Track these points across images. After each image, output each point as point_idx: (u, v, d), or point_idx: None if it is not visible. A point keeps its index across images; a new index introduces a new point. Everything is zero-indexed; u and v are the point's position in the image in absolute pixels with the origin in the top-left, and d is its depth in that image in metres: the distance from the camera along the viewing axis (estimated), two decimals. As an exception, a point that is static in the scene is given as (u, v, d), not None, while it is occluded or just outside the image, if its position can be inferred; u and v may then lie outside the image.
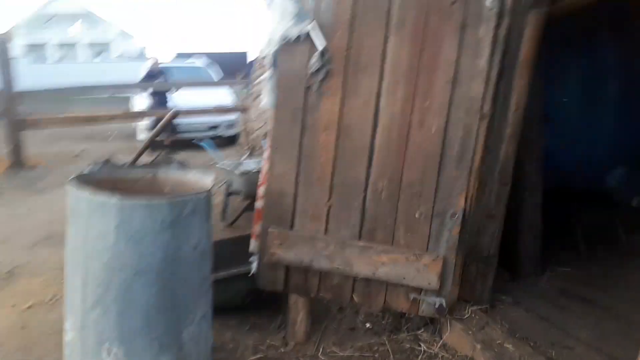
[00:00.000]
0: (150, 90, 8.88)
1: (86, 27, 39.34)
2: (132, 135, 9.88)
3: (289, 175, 2.45)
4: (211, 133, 9.48)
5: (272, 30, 2.58)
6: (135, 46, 47.27)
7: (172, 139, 8.80)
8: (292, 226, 2.46)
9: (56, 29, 38.80)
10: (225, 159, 7.09)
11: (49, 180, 6.70)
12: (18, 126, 7.23)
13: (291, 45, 2.42)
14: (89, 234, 1.86)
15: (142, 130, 9.01)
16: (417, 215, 2.36)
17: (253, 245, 2.60)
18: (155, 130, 3.58)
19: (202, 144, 4.77)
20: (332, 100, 2.39)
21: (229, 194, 4.52)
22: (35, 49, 37.16)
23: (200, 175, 2.32)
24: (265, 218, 2.51)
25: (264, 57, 2.86)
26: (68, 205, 1.93)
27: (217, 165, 4.34)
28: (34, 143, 9.94)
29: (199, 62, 12.09)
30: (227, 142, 9.86)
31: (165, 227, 1.83)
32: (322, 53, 2.37)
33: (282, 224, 2.46)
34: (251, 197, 4.02)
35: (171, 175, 2.40)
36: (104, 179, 2.32)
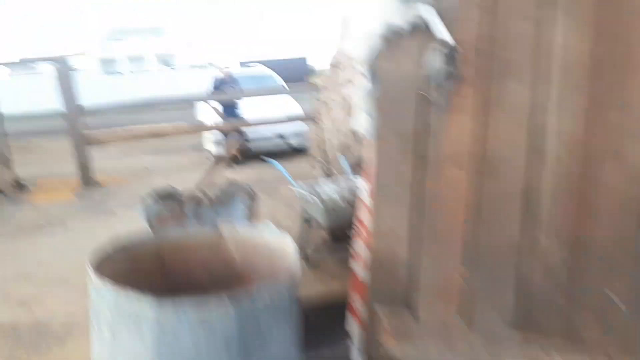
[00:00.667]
0: (219, 100, 8.48)
1: (154, 39, 40.82)
2: (201, 146, 9.57)
3: (401, 231, 1.71)
4: (280, 142, 8.95)
5: (366, 22, 1.84)
6: (201, 55, 48.58)
7: (239, 149, 8.33)
8: (409, 306, 1.71)
9: (127, 42, 40.55)
10: (297, 179, 6.52)
11: (119, 200, 6.40)
12: (84, 143, 7.01)
13: (398, 42, 1.67)
14: (116, 351, 1.21)
15: (209, 142, 8.64)
16: (609, 295, 1.52)
17: (353, 327, 1.88)
18: (205, 178, 2.97)
19: (271, 161, 4.14)
20: (464, 119, 1.63)
21: (307, 221, 3.84)
22: (109, 62, 39.04)
23: (276, 235, 1.62)
24: (370, 292, 1.77)
25: (351, 61, 2.10)
26: (90, 296, 1.30)
27: (291, 188, 3.68)
28: (104, 159, 9.93)
29: (266, 70, 11.64)
30: (295, 151, 9.30)
31: (229, 345, 1.14)
32: (449, 50, 1.59)
33: (394, 302, 1.72)
34: (337, 231, 3.32)
35: (240, 234, 1.72)
36: (151, 245, 1.68)
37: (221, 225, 1.75)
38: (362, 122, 1.91)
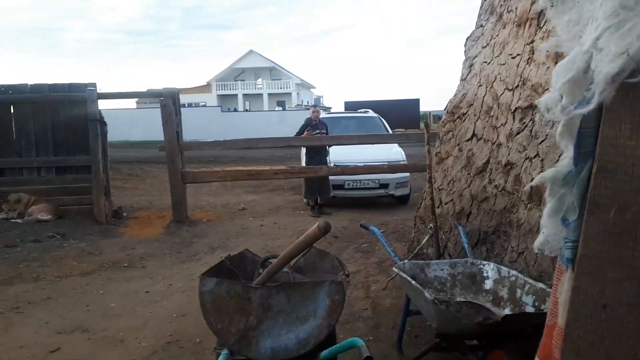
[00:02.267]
0: (306, 144, 7.91)
1: (270, 79, 42.89)
2: (301, 187, 9.14)
3: None
4: (382, 192, 8.17)
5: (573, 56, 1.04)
6: (314, 95, 50.09)
7: (322, 198, 7.71)
8: None
9: (245, 81, 43.05)
10: (398, 238, 5.69)
11: (206, 241, 6.03)
12: (180, 180, 6.81)
13: None
14: None
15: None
16: None
17: None
18: (293, 249, 2.23)
19: (372, 229, 3.36)
20: None
21: (408, 312, 2.98)
22: (228, 99, 41.57)
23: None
24: None
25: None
26: None
27: (394, 270, 2.86)
28: (204, 194, 9.91)
29: (371, 112, 11.01)
30: (398, 201, 8.46)
31: None
32: None
33: None
34: (448, 335, 2.43)
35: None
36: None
37: None
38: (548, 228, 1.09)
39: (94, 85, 7.08)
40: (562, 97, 1.03)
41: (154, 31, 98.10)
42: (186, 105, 39.40)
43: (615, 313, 0.98)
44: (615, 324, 0.99)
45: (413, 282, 2.57)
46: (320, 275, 2.89)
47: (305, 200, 8.25)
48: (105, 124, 7.28)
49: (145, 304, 4.01)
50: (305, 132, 7.80)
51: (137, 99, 34.12)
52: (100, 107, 7.08)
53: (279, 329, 2.06)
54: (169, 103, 6.79)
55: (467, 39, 4.69)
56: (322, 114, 10.26)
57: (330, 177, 7.79)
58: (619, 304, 0.97)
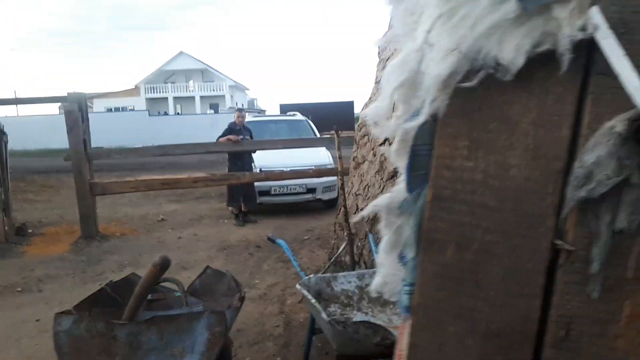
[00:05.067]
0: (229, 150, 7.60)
1: (202, 81, 41.75)
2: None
3: None
4: (309, 196, 8.02)
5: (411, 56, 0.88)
6: (248, 97, 49.38)
7: (247, 205, 7.43)
8: None
9: (176, 83, 41.66)
10: (321, 260, 5.53)
11: (117, 257, 5.59)
12: (88, 192, 6.30)
13: (493, 99, 0.70)
14: None
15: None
16: None
17: None
18: (138, 291, 1.99)
19: (279, 242, 3.17)
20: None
21: (313, 331, 2.81)
22: (157, 103, 40.04)
23: None
24: None
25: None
26: None
27: (298, 287, 2.67)
28: (120, 205, 9.29)
29: (298, 114, 10.86)
30: (327, 205, 8.34)
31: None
32: None
33: None
34: (348, 356, 2.29)
35: None
36: None
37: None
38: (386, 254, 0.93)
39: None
40: (394, 107, 0.88)
41: (79, 32, 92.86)
42: (113, 110, 37.56)
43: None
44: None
45: (312, 300, 2.40)
46: (216, 298, 2.67)
47: (230, 208, 7.94)
48: (3, 133, 6.62)
49: (33, 334, 3.59)
50: (226, 138, 7.49)
51: (60, 104, 31.99)
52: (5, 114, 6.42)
53: (149, 369, 1.82)
54: (74, 108, 6.27)
55: (379, 41, 4.62)
56: (249, 118, 9.98)
57: (256, 184, 7.54)
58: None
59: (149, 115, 31.92)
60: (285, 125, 10.03)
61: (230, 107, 36.69)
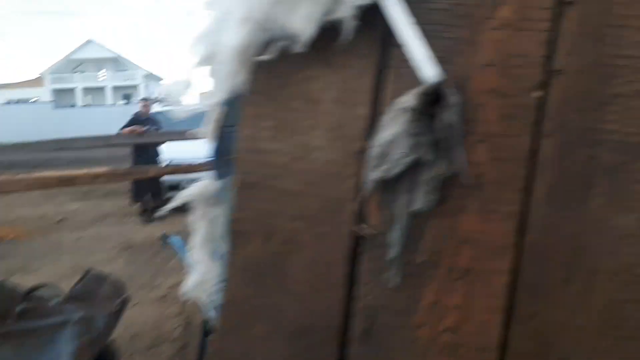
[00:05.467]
0: (133, 142, 7.20)
1: (114, 70, 39.42)
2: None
3: None
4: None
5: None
6: (163, 88, 47.44)
7: (155, 201, 7.07)
8: None
9: (85, 73, 39.04)
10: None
11: (4, 264, 5.09)
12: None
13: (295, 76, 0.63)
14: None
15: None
16: None
17: None
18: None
19: (171, 240, 3.00)
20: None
21: (207, 333, 2.69)
22: (64, 94, 37.31)
23: None
24: None
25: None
26: None
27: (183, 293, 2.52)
28: (18, 205, 8.52)
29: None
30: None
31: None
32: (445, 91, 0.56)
33: None
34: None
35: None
36: None
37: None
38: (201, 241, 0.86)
39: None
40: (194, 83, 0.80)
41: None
42: (14, 102, 34.45)
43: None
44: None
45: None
46: (97, 303, 2.47)
47: (136, 205, 7.54)
48: None
49: None
50: (130, 129, 7.07)
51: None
52: None
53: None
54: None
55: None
56: (159, 108, 9.50)
57: (166, 177, 7.18)
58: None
59: (55, 107, 29.67)
60: (203, 116, 9.68)
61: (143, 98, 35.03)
